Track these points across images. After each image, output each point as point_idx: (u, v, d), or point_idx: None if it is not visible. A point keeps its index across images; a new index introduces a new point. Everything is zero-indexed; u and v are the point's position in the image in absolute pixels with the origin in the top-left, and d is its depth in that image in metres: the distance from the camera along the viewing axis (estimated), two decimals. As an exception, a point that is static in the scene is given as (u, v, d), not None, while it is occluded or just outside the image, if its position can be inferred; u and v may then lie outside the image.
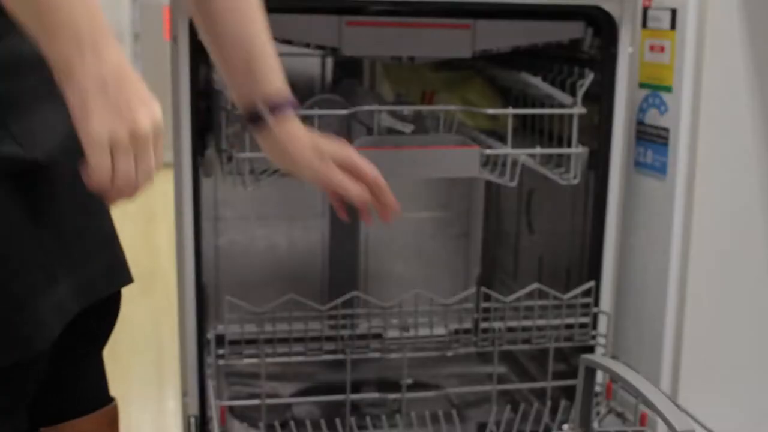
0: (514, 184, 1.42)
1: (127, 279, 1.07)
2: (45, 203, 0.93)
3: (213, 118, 1.56)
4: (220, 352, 1.43)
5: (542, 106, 1.54)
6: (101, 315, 1.04)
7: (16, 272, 0.90)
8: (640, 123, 1.54)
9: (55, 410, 1.03)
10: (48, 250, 0.92)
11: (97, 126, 0.82)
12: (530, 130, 1.64)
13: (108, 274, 1.04)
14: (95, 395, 1.08)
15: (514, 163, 1.43)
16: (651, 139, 1.51)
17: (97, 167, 0.83)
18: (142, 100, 0.84)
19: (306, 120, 1.38)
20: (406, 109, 1.53)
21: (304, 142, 1.17)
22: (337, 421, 1.44)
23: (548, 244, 1.54)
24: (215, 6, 1.14)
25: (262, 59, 1.16)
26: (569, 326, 1.50)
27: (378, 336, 1.48)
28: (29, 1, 0.82)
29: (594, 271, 1.54)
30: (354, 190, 1.17)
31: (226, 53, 1.17)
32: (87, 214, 1.00)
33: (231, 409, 1.55)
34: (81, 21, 0.83)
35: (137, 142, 0.83)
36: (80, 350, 1.04)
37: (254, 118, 1.16)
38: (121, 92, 0.83)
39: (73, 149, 0.95)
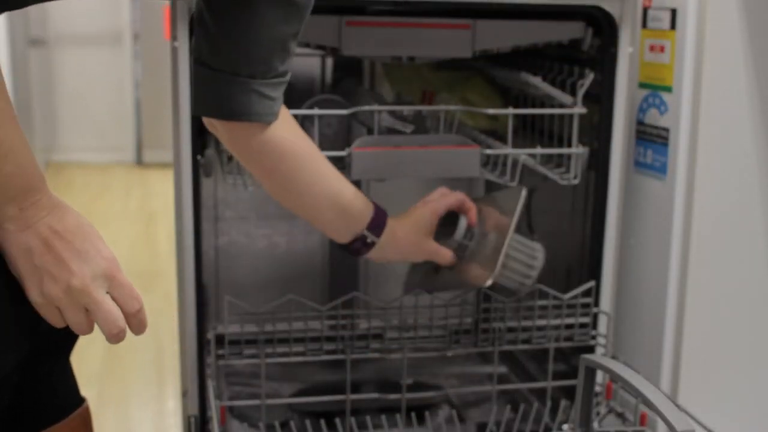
0: (514, 184, 1.42)
1: None
2: None
3: (213, 118, 1.56)
4: (220, 352, 1.43)
5: (542, 106, 1.54)
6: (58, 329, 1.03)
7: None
8: (640, 123, 1.54)
9: (29, 420, 1.02)
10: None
11: (31, 294, 0.87)
12: (530, 130, 1.64)
13: None
14: (66, 399, 1.07)
15: (515, 163, 1.43)
16: (651, 139, 1.51)
17: (50, 320, 0.88)
18: (78, 256, 0.86)
19: (306, 120, 1.38)
20: (406, 109, 1.54)
21: (409, 237, 1.35)
22: (337, 421, 1.44)
23: (548, 244, 1.54)
24: (290, 172, 1.22)
25: (347, 196, 1.28)
26: (569, 326, 1.50)
27: (378, 336, 1.48)
28: None
29: (594, 271, 1.54)
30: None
31: (313, 208, 1.28)
32: None
33: (231, 409, 1.55)
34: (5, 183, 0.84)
35: (77, 296, 0.86)
36: (49, 359, 1.03)
37: (360, 246, 1.31)
38: (51, 253, 0.86)
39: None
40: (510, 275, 1.41)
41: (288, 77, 1.16)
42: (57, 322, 0.88)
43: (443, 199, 1.39)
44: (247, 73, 1.11)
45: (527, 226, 1.86)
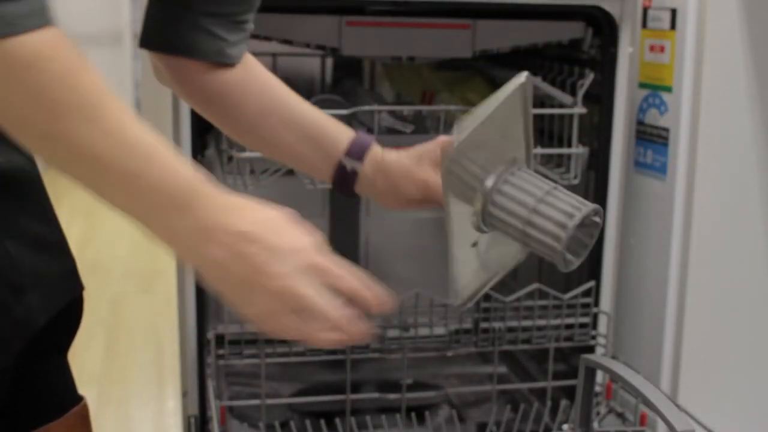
0: (514, 184, 1.42)
1: (82, 285, 1.05)
2: (11, 213, 0.92)
3: (213, 118, 1.56)
4: (220, 352, 1.43)
5: (542, 106, 1.54)
6: (65, 321, 1.03)
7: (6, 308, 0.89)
8: (640, 123, 1.54)
9: (25, 418, 1.02)
10: (16, 262, 0.91)
11: (249, 311, 0.76)
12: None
13: (68, 281, 1.02)
14: (64, 398, 1.07)
15: (514, 163, 1.42)
16: (651, 139, 1.51)
17: (286, 335, 0.75)
18: (277, 253, 0.74)
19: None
20: (406, 109, 1.54)
21: (401, 162, 1.09)
22: (337, 421, 1.44)
23: (548, 244, 1.54)
24: (247, 112, 1.09)
25: (316, 124, 1.11)
26: (569, 326, 1.50)
27: (378, 336, 1.48)
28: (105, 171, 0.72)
29: (594, 271, 1.54)
30: None
31: (282, 146, 1.11)
32: (45, 224, 0.99)
33: (231, 409, 1.55)
34: (168, 182, 0.74)
35: (295, 299, 0.74)
36: (46, 357, 1.04)
37: (342, 179, 1.10)
38: (245, 262, 0.74)
39: (29, 167, 0.95)
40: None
41: (247, 27, 1.07)
42: (296, 332, 0.75)
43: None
44: (198, 10, 1.02)
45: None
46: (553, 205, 0.91)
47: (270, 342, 1.41)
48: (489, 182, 0.94)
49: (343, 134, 1.09)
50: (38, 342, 0.95)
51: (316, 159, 1.10)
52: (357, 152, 1.09)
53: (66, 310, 1.00)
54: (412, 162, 1.08)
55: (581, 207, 0.91)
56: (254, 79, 1.10)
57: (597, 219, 0.92)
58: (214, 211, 0.75)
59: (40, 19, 0.70)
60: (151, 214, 0.75)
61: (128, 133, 0.72)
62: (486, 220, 0.97)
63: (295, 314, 0.75)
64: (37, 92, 0.69)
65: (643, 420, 1.41)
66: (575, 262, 0.98)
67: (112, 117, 0.71)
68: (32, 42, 0.69)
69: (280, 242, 0.75)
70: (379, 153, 1.09)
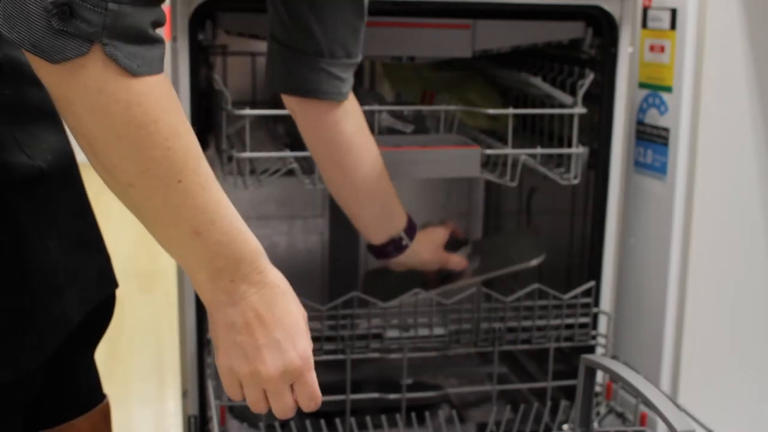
0: (514, 184, 1.42)
1: (116, 283, 1.07)
2: (48, 212, 0.93)
3: (213, 118, 1.56)
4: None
5: (542, 106, 1.54)
6: (97, 318, 1.04)
7: (23, 285, 0.89)
8: (640, 123, 1.54)
9: (52, 412, 1.02)
10: (53, 260, 0.92)
11: (220, 360, 0.88)
12: (530, 130, 1.64)
13: (102, 278, 1.03)
14: (91, 394, 1.08)
15: (515, 163, 1.43)
16: (651, 139, 1.51)
17: (227, 390, 0.89)
18: (275, 346, 0.87)
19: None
20: (406, 109, 1.54)
21: (427, 245, 1.43)
22: (337, 421, 1.44)
23: (548, 244, 1.54)
24: (355, 166, 1.27)
25: (394, 199, 1.35)
26: (569, 326, 1.50)
27: (378, 336, 1.48)
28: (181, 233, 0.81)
29: (594, 271, 1.54)
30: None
31: (365, 205, 1.33)
32: (82, 220, 1.00)
33: (231, 409, 1.55)
34: (240, 244, 0.84)
35: (261, 382, 0.87)
36: (76, 354, 1.04)
37: (392, 249, 1.37)
38: (250, 336, 0.86)
39: (67, 162, 0.95)
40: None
41: (358, 59, 1.21)
42: (234, 395, 0.89)
43: (448, 223, 1.52)
44: (315, 51, 1.16)
45: (527, 226, 1.86)
46: None
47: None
48: None
49: (404, 213, 1.38)
50: (71, 339, 0.96)
51: (381, 225, 1.36)
52: (411, 232, 1.38)
53: (99, 308, 1.01)
54: (434, 246, 1.45)
55: None
56: (359, 126, 1.28)
57: None
58: (251, 286, 0.86)
59: (163, 63, 0.77)
60: (191, 263, 0.84)
61: (203, 197, 0.81)
62: None
63: (257, 391, 0.88)
64: (141, 146, 0.75)
65: (643, 420, 1.41)
66: None
67: (195, 179, 0.80)
68: (156, 88, 0.75)
69: (287, 340, 0.87)
70: (417, 236, 1.40)
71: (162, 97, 0.76)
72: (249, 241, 0.85)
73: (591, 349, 1.53)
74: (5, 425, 0.93)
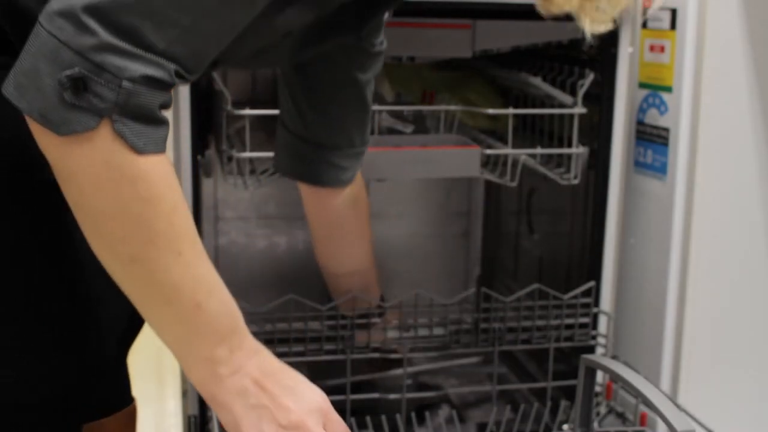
0: (514, 184, 1.42)
1: None
2: None
3: (213, 118, 1.56)
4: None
5: (542, 106, 1.54)
6: (136, 318, 1.05)
7: (82, 280, 0.92)
8: (640, 123, 1.54)
9: (83, 411, 1.03)
10: None
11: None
12: (530, 130, 1.64)
13: None
14: (121, 395, 1.09)
15: (515, 163, 1.43)
16: (651, 139, 1.51)
17: None
18: (291, 393, 0.86)
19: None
20: (406, 109, 1.54)
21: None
22: (337, 421, 1.44)
23: (548, 244, 1.54)
24: (346, 248, 1.37)
25: (373, 279, 1.41)
26: (569, 326, 1.50)
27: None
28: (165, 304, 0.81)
29: (594, 271, 1.54)
30: None
31: (345, 280, 1.40)
32: None
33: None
34: (221, 316, 0.84)
35: (296, 430, 0.85)
36: (115, 353, 1.05)
37: (363, 319, 1.40)
38: (265, 392, 0.86)
39: None
40: None
41: (364, 147, 1.28)
42: None
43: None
44: (317, 143, 1.24)
45: (527, 226, 1.86)
46: None
47: (270, 342, 1.41)
48: None
49: (376, 293, 1.45)
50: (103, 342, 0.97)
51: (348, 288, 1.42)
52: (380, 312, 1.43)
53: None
54: None
55: None
56: (356, 210, 1.36)
57: None
58: (247, 352, 0.86)
59: (165, 144, 0.79)
60: (191, 340, 0.84)
61: (201, 268, 0.82)
62: None
63: None
64: (145, 219, 0.76)
65: (643, 420, 1.41)
66: None
67: (194, 251, 0.81)
68: (159, 166, 0.77)
69: (298, 384, 0.88)
70: None
71: (165, 174, 0.77)
72: (237, 309, 0.87)
73: (591, 349, 1.53)
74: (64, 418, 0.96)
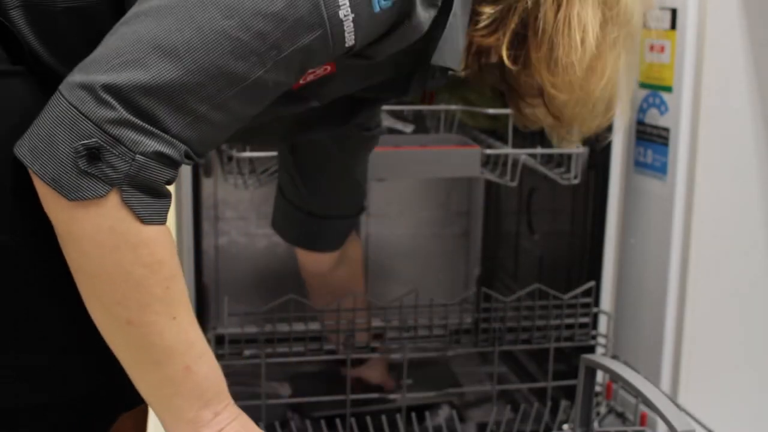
0: (514, 184, 1.42)
1: None
2: None
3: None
4: (220, 352, 1.42)
5: (542, 106, 1.53)
6: None
7: None
8: (640, 123, 1.54)
9: (103, 406, 1.04)
10: None
11: None
12: (530, 130, 1.64)
13: None
14: (137, 392, 1.10)
15: (515, 162, 1.43)
16: (651, 139, 1.51)
17: None
18: None
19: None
20: (406, 109, 1.54)
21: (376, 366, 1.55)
22: (337, 421, 1.44)
23: (548, 244, 1.54)
24: (339, 296, 1.41)
25: (364, 315, 1.45)
26: (569, 326, 1.50)
27: (378, 336, 1.48)
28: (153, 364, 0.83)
29: (594, 271, 1.54)
30: None
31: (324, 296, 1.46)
32: None
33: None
34: (210, 380, 0.86)
35: None
36: None
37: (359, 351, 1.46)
38: None
39: None
40: None
41: (359, 215, 1.36)
42: None
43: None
44: (308, 211, 1.32)
45: (527, 226, 1.86)
46: None
47: (270, 342, 1.41)
48: None
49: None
50: None
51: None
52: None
53: None
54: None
55: None
56: (347, 271, 1.46)
57: None
58: (229, 415, 0.89)
59: (167, 216, 0.82)
60: (177, 401, 0.85)
61: (193, 333, 0.84)
62: None
63: None
64: (145, 284, 0.79)
65: (643, 420, 1.41)
66: None
67: (188, 317, 0.83)
68: (161, 235, 0.80)
69: None
70: None
71: (166, 243, 0.81)
72: (222, 373, 0.89)
73: (591, 349, 1.53)
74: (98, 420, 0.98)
